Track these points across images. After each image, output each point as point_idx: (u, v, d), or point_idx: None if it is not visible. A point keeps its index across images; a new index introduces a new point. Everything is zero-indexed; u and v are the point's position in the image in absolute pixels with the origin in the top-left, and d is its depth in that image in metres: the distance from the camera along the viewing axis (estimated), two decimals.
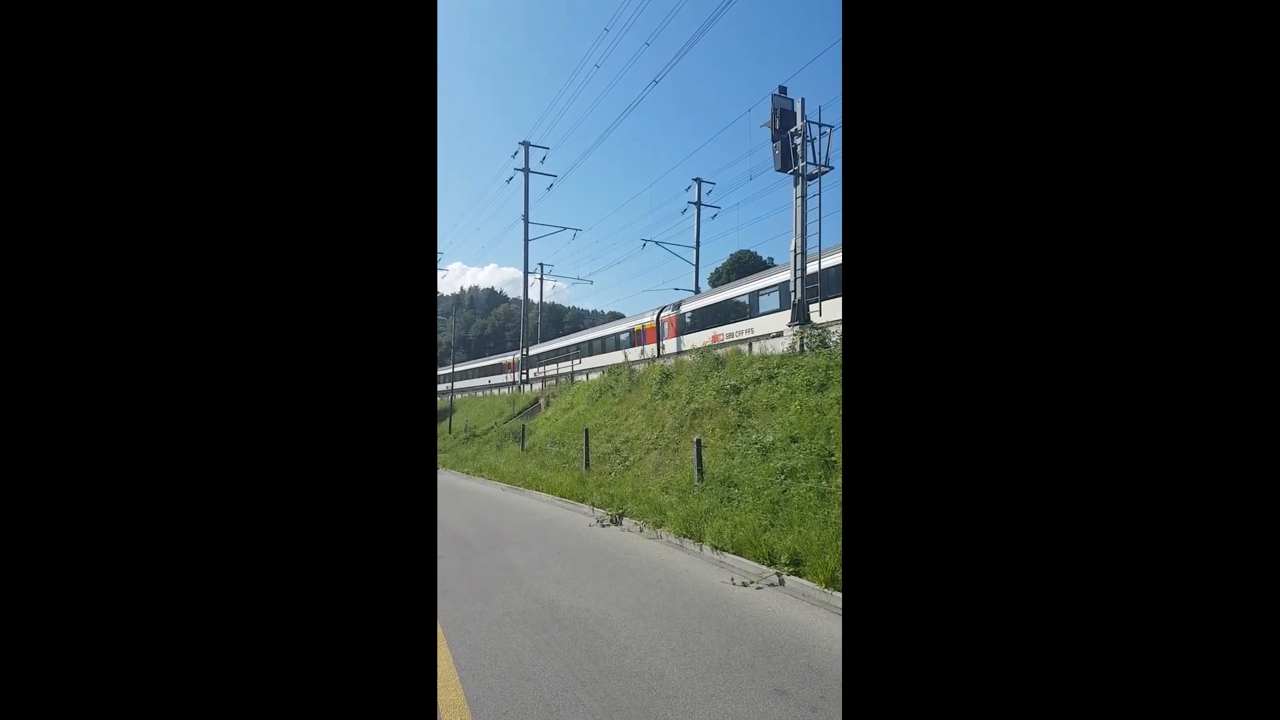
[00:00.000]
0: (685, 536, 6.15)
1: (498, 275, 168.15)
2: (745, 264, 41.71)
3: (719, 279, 40.44)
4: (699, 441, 8.03)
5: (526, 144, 26.07)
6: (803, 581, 4.59)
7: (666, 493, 7.65)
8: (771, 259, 41.93)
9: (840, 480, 5.95)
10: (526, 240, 26.03)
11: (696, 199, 29.27)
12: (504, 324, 79.66)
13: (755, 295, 17.33)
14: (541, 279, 36.79)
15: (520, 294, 28.93)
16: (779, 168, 11.97)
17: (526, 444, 14.79)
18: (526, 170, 26.10)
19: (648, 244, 30.75)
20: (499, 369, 36.70)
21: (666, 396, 11.48)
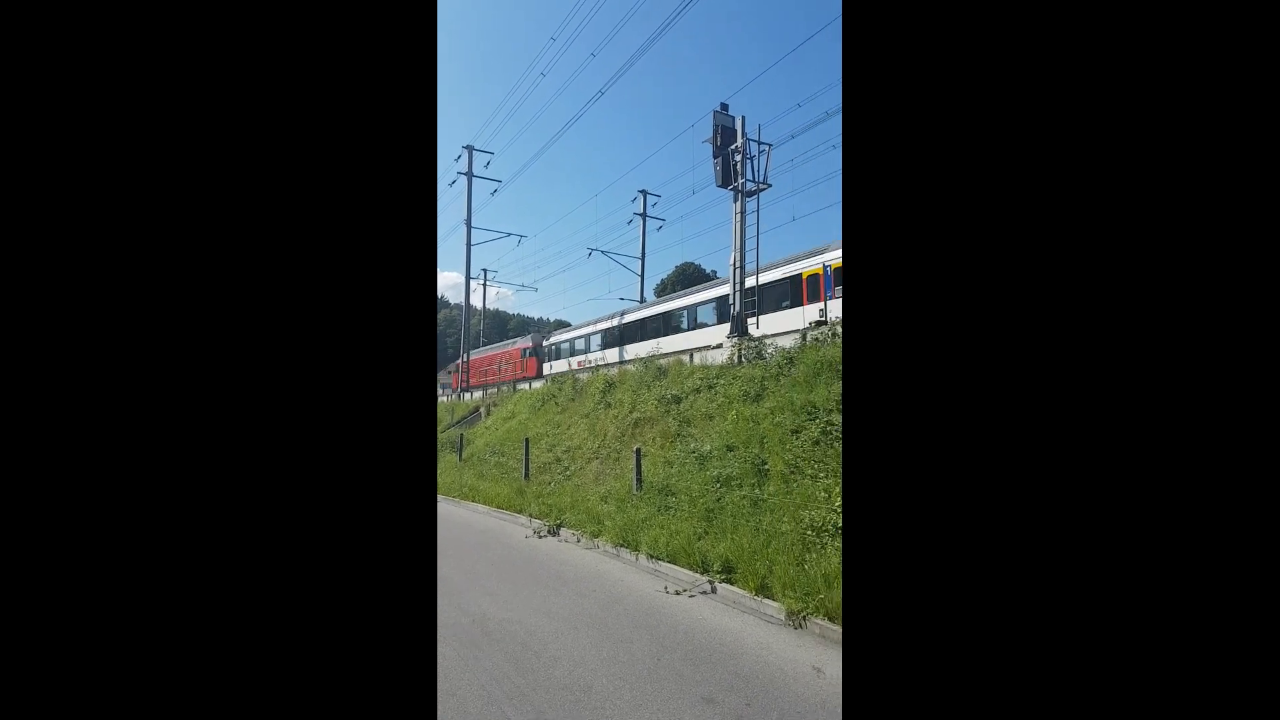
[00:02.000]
0: (622, 545, 6.16)
1: (439, 280, 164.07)
2: (690, 276, 42.38)
3: (664, 290, 40.83)
4: (639, 450, 8.07)
5: (470, 148, 25.59)
6: (734, 589, 4.68)
7: (605, 502, 7.65)
8: (715, 271, 42.68)
9: (771, 489, 6.12)
10: (469, 245, 25.53)
11: (642, 210, 29.52)
12: (445, 329, 77.58)
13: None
14: (485, 285, 36.17)
15: (462, 299, 28.12)
16: (720, 183, 12.24)
17: (464, 454, 14.44)
18: (470, 174, 25.60)
19: (594, 253, 30.69)
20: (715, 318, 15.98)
21: (609, 405, 11.49)
